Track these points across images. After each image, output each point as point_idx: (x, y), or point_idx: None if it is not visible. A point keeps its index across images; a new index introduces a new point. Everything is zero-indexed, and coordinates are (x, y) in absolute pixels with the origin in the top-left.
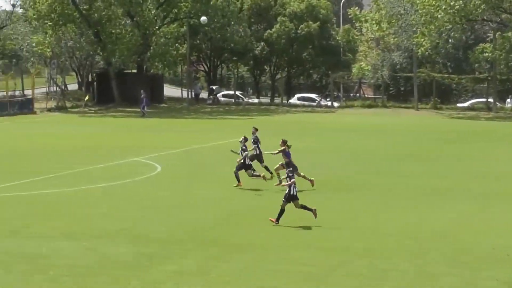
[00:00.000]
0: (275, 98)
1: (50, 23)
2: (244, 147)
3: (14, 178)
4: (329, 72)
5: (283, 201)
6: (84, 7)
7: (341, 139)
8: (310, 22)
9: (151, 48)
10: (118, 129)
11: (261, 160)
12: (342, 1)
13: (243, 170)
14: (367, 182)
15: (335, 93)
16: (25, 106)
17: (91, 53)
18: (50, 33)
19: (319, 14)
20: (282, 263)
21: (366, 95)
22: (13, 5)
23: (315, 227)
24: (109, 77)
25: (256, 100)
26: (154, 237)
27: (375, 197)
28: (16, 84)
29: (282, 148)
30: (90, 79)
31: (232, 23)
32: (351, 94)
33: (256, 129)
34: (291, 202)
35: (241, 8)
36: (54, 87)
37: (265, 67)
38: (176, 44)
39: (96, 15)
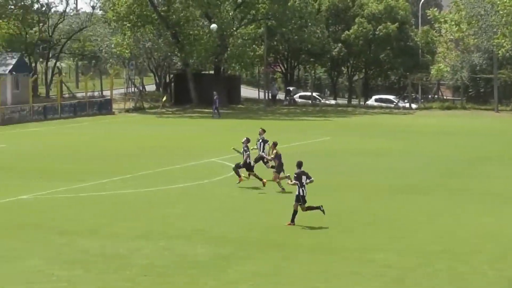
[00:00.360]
0: (352, 100)
1: (129, 25)
2: (246, 148)
3: (93, 178)
4: (407, 73)
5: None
6: (163, 8)
7: (419, 141)
8: (389, 23)
9: (228, 49)
10: (195, 130)
11: (265, 162)
12: (421, 2)
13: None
14: (444, 185)
15: (413, 94)
16: (103, 106)
17: (169, 54)
18: (129, 34)
19: (398, 15)
20: (356, 264)
21: (445, 97)
22: (93, 7)
23: (389, 229)
24: (186, 78)
25: (333, 102)
26: (230, 238)
27: (452, 199)
28: (95, 85)
29: (275, 151)
30: (167, 80)
31: (310, 24)
32: (430, 96)
33: (264, 130)
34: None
35: (319, 9)
36: (132, 88)
37: (343, 68)
38: (254, 45)
39: (174, 16)
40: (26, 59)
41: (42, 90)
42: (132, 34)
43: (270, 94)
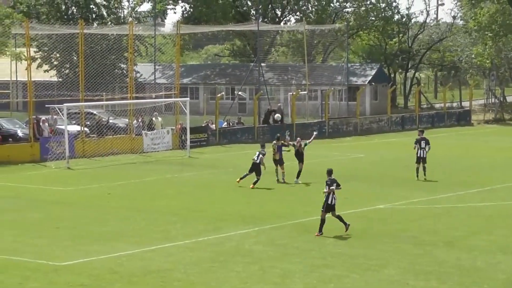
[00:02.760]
0: None
1: (491, 34)
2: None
3: (450, 189)
4: None
5: (322, 211)
6: None
7: None
8: None
9: None
10: None
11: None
12: None
13: None
14: None
15: None
16: (462, 117)
17: None
18: (490, 44)
19: None
20: None
21: None
22: (454, 17)
23: None
24: None
25: None
26: None
27: None
28: (453, 96)
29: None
30: None
31: None
32: None
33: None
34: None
35: None
36: (492, 99)
37: None
38: None
39: None
40: (385, 70)
41: (400, 100)
42: (494, 44)
43: None
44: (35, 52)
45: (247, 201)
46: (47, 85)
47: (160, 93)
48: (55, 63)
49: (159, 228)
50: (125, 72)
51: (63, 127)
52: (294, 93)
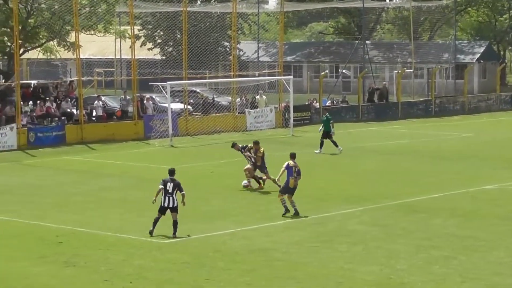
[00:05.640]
0: None
1: None
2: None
3: None
4: None
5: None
6: None
7: None
8: None
9: None
10: None
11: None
12: None
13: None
14: None
15: None
16: None
17: None
18: None
19: None
20: None
21: None
22: None
23: None
24: None
25: None
26: None
27: None
28: None
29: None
30: None
31: None
32: None
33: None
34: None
35: None
36: None
37: None
38: None
39: None
40: (494, 47)
41: (510, 78)
42: None
43: None
44: (139, 30)
45: (350, 181)
46: (151, 63)
47: (263, 71)
48: (159, 41)
49: (261, 207)
50: (228, 50)
51: (166, 105)
52: (399, 71)
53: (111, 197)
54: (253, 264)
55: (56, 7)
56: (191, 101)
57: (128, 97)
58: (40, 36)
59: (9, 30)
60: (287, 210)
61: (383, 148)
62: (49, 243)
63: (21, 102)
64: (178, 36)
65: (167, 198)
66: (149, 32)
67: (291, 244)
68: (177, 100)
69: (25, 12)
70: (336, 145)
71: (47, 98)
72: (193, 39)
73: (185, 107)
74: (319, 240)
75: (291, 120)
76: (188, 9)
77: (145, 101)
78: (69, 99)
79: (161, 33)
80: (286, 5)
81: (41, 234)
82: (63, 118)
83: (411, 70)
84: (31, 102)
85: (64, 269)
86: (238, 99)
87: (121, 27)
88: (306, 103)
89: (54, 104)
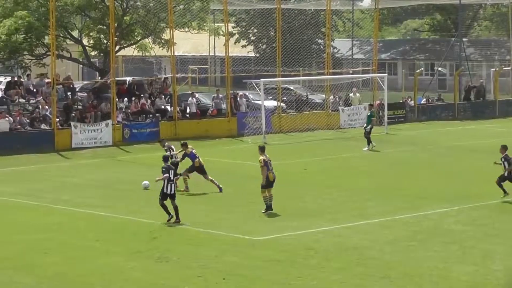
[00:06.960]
0: None
1: None
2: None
3: None
4: None
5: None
6: None
7: None
8: None
9: None
10: None
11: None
12: None
13: None
14: None
15: None
16: None
17: None
18: None
19: None
20: None
21: None
22: None
23: None
24: None
25: None
26: None
27: None
28: None
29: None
30: None
31: None
32: None
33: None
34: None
35: None
36: None
37: None
38: None
39: None
40: None
41: None
42: None
43: None
44: (233, 27)
45: (446, 180)
46: (244, 60)
47: (358, 69)
48: (253, 38)
49: (355, 205)
50: (322, 47)
51: (259, 102)
52: (497, 69)
53: (200, 193)
54: (346, 262)
55: (151, 4)
56: (285, 98)
57: (220, 95)
58: (135, 33)
59: (105, 27)
60: (269, 208)
61: (480, 147)
62: (144, 238)
63: (117, 99)
64: (272, 33)
65: (169, 185)
66: (243, 29)
67: (385, 242)
68: (271, 97)
69: (120, 10)
70: (368, 143)
71: (142, 95)
72: (287, 36)
73: (279, 104)
74: (414, 239)
75: (386, 118)
76: (282, 6)
77: (238, 99)
78: (163, 96)
79: (255, 30)
80: (381, 2)
81: (135, 229)
82: (157, 114)
83: (510, 68)
84: (126, 99)
85: (157, 264)
86: (332, 96)
87: (215, 24)
88: (401, 101)
89: (149, 101)
